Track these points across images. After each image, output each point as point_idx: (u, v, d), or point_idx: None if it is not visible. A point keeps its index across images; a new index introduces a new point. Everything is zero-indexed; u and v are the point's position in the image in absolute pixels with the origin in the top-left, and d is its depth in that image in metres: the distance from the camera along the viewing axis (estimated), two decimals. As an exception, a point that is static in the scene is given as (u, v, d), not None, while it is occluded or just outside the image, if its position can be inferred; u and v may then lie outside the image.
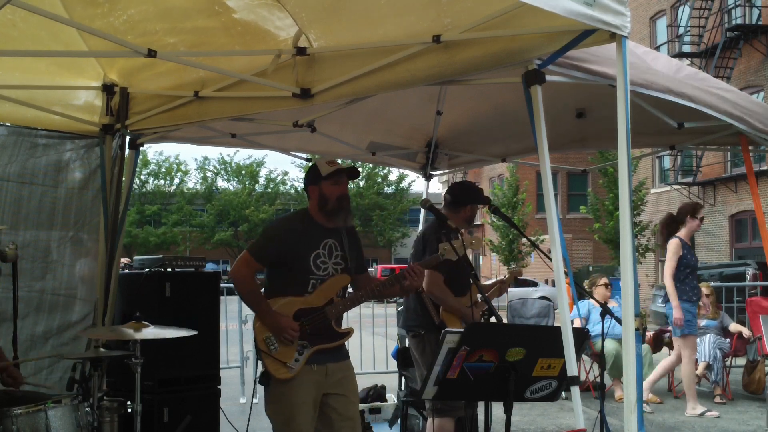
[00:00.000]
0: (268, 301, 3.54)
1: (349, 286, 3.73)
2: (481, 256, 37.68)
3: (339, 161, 3.73)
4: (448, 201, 4.57)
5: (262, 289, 3.64)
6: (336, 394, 3.56)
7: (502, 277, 5.15)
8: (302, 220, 3.66)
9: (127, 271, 5.13)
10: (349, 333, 3.66)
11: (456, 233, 3.65)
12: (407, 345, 6.26)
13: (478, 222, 37.21)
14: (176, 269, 4.83)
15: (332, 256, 3.63)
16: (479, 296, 4.49)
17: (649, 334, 8.72)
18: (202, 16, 3.83)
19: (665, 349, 8.63)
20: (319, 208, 3.62)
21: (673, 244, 6.92)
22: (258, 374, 3.65)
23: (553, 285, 4.08)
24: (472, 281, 4.43)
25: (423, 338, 4.40)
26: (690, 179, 22.29)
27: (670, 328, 8.51)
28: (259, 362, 3.58)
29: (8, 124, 4.68)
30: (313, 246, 3.58)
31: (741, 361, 8.48)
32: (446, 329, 2.78)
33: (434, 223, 4.38)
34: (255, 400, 4.36)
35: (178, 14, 3.83)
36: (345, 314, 3.71)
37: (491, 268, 34.12)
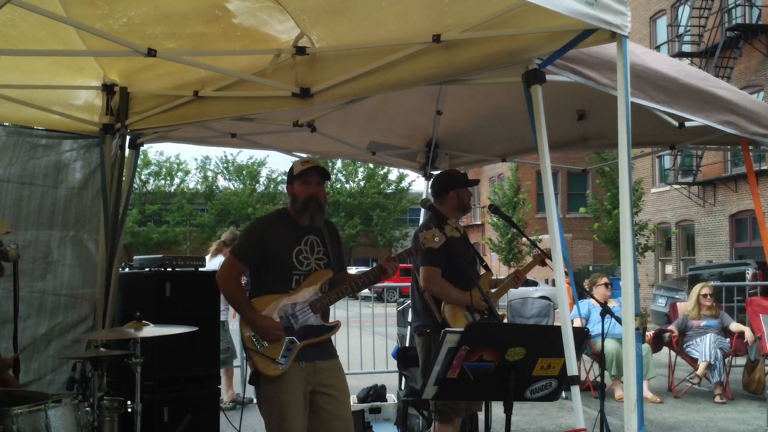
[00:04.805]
0: (254, 300, 3.56)
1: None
2: (481, 255, 37.55)
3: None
4: (433, 194, 4.57)
5: (248, 291, 3.65)
6: (325, 393, 3.57)
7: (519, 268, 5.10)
8: (281, 218, 3.70)
9: (127, 270, 5.13)
10: (336, 326, 3.68)
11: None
12: (407, 344, 6.28)
13: (478, 222, 37.21)
14: (176, 269, 4.83)
15: (314, 251, 3.66)
16: (491, 289, 4.48)
17: (649, 333, 8.72)
18: (201, 21, 3.81)
19: (665, 349, 8.63)
20: (292, 207, 3.67)
21: None
22: (248, 374, 3.66)
23: (553, 284, 4.08)
24: (481, 270, 4.44)
25: (428, 336, 4.39)
26: (690, 179, 22.29)
27: (670, 327, 8.54)
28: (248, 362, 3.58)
29: (8, 124, 4.68)
30: (294, 242, 3.61)
31: (741, 360, 8.47)
32: (446, 329, 2.78)
33: (426, 220, 4.44)
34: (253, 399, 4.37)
35: (178, 18, 3.81)
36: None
37: (491, 268, 34.01)
